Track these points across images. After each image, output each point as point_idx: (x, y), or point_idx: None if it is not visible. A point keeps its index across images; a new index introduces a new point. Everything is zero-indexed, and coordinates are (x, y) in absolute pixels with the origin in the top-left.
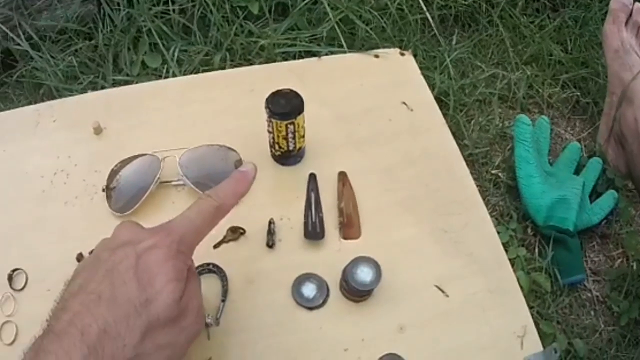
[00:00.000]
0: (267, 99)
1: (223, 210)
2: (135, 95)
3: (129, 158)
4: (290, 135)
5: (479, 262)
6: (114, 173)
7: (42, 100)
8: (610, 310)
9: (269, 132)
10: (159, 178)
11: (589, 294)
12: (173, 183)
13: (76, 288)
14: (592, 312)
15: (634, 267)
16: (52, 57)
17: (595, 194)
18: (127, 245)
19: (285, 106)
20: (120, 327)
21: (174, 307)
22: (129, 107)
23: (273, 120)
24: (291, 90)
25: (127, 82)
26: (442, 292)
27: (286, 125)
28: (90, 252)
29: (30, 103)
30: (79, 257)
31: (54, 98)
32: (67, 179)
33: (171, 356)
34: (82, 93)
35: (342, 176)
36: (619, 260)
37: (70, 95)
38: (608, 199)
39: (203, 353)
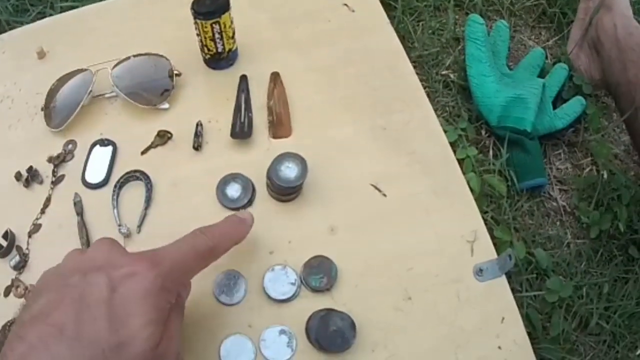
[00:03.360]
0: (192, 2)
1: (216, 253)
2: (78, 18)
3: (64, 76)
4: (217, 35)
5: (422, 161)
6: (51, 92)
7: None
8: (579, 221)
9: (197, 35)
10: (91, 91)
11: (555, 204)
12: (106, 95)
13: (36, 311)
14: (558, 223)
15: (604, 176)
16: None
17: (561, 101)
18: (101, 271)
19: (209, 6)
20: None
21: (148, 356)
22: (72, 30)
23: (198, 21)
24: None
25: (72, 8)
26: (379, 191)
27: (211, 25)
28: (28, 170)
29: None
30: (17, 176)
31: (5, 32)
32: (12, 104)
33: None
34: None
35: (274, 76)
36: (588, 169)
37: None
38: (574, 104)
39: None
